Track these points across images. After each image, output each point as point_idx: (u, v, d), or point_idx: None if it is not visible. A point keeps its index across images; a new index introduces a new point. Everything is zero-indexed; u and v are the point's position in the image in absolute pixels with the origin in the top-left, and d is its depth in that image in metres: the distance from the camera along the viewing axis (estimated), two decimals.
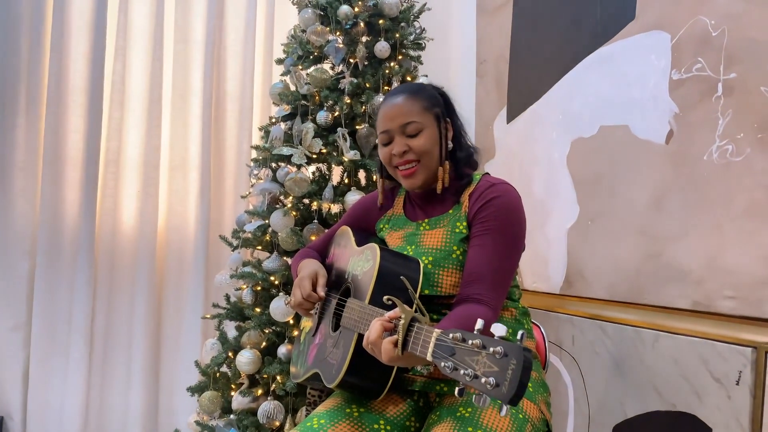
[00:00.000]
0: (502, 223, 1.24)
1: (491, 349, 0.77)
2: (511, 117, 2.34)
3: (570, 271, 1.95)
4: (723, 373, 1.39)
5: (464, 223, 1.28)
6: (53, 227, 2.61)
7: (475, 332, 0.82)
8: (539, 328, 1.52)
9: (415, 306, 1.00)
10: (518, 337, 0.76)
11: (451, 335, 0.84)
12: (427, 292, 1.26)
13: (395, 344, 0.97)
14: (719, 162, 1.45)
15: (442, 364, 0.83)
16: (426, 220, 1.35)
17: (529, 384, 1.26)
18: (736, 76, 1.41)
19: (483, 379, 0.76)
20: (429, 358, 0.88)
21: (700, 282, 1.48)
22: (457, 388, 0.82)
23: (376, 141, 2.09)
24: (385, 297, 1.04)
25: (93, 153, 2.63)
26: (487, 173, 1.37)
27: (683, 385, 1.49)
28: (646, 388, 1.60)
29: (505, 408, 0.76)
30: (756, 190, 1.36)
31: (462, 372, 0.79)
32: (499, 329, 0.79)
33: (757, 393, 1.32)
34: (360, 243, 1.37)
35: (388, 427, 1.21)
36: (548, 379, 1.49)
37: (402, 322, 0.97)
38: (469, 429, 1.10)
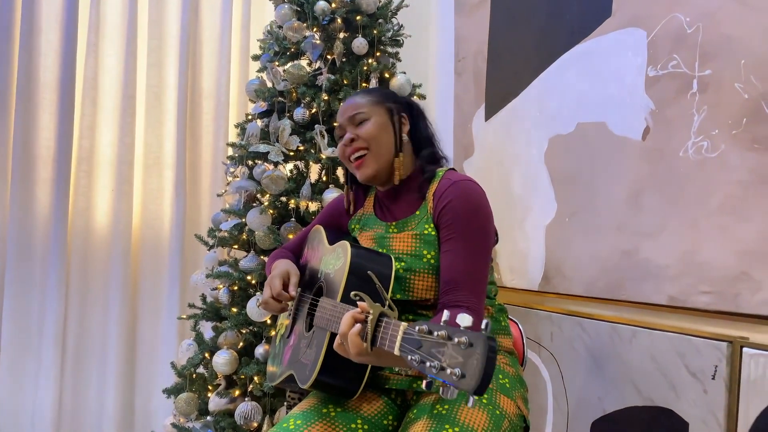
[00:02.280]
0: (467, 223, 1.23)
1: (456, 340, 0.76)
2: (489, 114, 2.34)
3: (548, 268, 1.95)
4: (699, 367, 1.40)
5: (431, 224, 1.28)
6: (23, 227, 2.55)
7: (441, 323, 0.81)
8: (517, 324, 1.52)
9: (385, 302, 0.99)
10: (482, 326, 0.76)
11: (417, 328, 0.83)
12: (399, 296, 1.25)
13: (363, 338, 0.96)
14: (695, 158, 1.46)
15: (409, 357, 0.82)
16: (394, 223, 1.35)
17: (507, 380, 1.26)
18: (711, 72, 1.42)
19: (449, 371, 0.75)
20: (396, 352, 0.87)
21: (677, 277, 1.49)
22: (424, 381, 0.81)
23: None
24: (353, 293, 1.04)
25: (65, 151, 2.58)
26: (452, 169, 1.37)
27: (660, 380, 1.50)
28: (623, 384, 1.61)
29: (471, 399, 0.75)
30: (730, 185, 1.37)
31: (428, 364, 0.78)
32: (464, 320, 0.78)
33: (733, 387, 1.33)
34: (332, 242, 1.36)
35: (366, 427, 1.20)
36: (527, 375, 1.49)
37: (370, 317, 0.96)
38: (447, 426, 1.09)
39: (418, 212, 1.32)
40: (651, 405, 1.53)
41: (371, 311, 0.96)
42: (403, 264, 1.26)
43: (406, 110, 1.40)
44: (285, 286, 1.34)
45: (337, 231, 1.48)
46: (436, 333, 0.79)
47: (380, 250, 1.32)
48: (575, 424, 1.78)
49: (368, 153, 1.33)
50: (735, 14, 1.38)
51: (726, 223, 1.38)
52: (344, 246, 1.26)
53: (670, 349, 1.48)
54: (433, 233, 1.27)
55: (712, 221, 1.41)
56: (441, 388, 0.77)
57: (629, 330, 1.60)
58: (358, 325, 0.97)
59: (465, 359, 0.74)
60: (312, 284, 1.37)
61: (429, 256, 1.26)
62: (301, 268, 1.47)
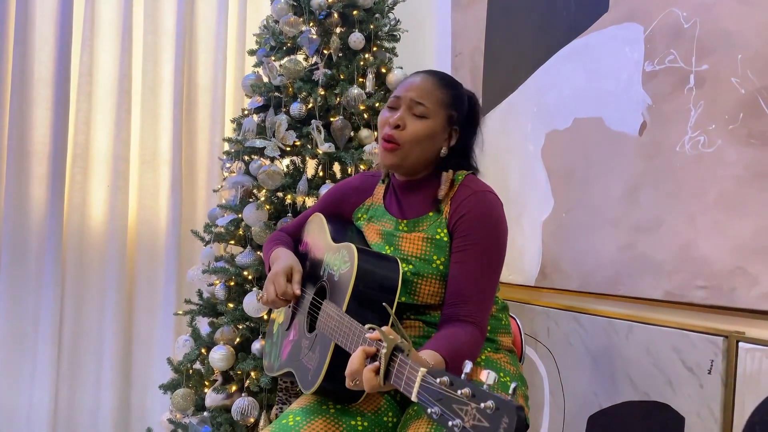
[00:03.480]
0: (483, 238, 1.21)
1: (482, 404, 0.73)
2: (486, 110, 2.34)
3: (545, 263, 1.96)
4: (695, 362, 1.41)
5: (445, 230, 1.25)
6: (19, 224, 2.53)
7: (463, 377, 0.78)
8: (515, 320, 1.52)
9: (397, 329, 0.94)
10: (510, 391, 0.73)
11: (438, 379, 0.79)
12: (404, 299, 1.23)
13: (377, 372, 0.92)
14: (691, 153, 1.46)
15: (429, 410, 0.79)
16: (404, 222, 1.30)
17: (508, 378, 1.26)
18: (708, 67, 1.43)
19: None
20: (414, 398, 0.83)
21: (673, 272, 1.49)
22: None
23: (351, 133, 2.08)
24: (368, 326, 1.00)
25: (60, 147, 2.56)
26: (471, 173, 1.32)
27: (656, 375, 1.51)
28: (620, 379, 1.62)
29: None
30: (727, 181, 1.37)
31: (450, 423, 0.75)
32: (489, 377, 0.75)
33: (729, 381, 1.34)
34: (335, 236, 1.33)
35: (365, 423, 1.20)
36: (524, 371, 1.49)
37: (384, 351, 0.92)
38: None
39: (431, 213, 1.28)
40: (647, 399, 1.53)
41: (385, 343, 0.92)
42: (411, 267, 1.23)
43: (464, 121, 1.32)
44: (288, 283, 1.29)
45: (339, 221, 1.42)
46: (459, 391, 0.76)
47: (387, 247, 1.28)
48: (572, 419, 1.78)
49: (400, 148, 1.25)
50: (732, 9, 1.38)
51: (722, 218, 1.38)
52: (350, 250, 1.21)
53: (666, 343, 1.49)
54: (446, 239, 1.24)
55: (709, 216, 1.41)
56: None
57: (625, 325, 1.61)
58: (375, 363, 0.93)
59: (491, 425, 0.71)
60: (313, 278, 1.34)
61: (438, 262, 1.23)
62: (301, 255, 1.43)
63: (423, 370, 0.84)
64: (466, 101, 1.33)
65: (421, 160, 1.28)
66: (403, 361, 0.88)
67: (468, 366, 0.79)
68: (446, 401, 0.77)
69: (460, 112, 1.30)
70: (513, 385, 0.73)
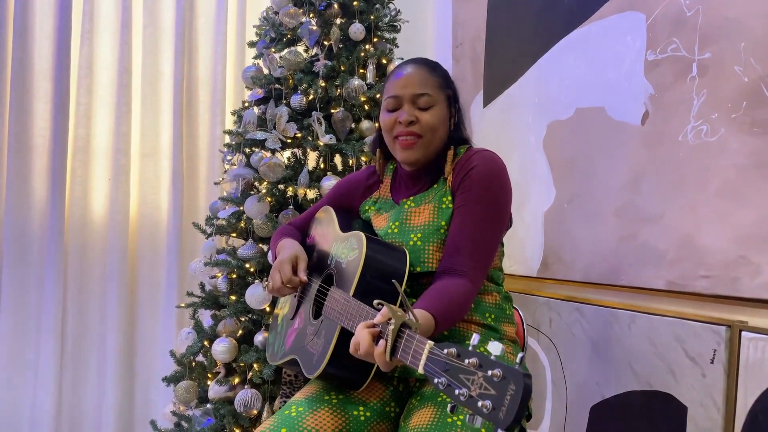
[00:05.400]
0: (481, 190, 1.21)
1: (489, 372, 0.73)
2: (487, 101, 2.33)
3: (547, 254, 1.95)
4: (698, 352, 1.41)
5: (449, 197, 1.26)
6: (20, 218, 2.53)
7: (471, 348, 0.78)
8: (518, 311, 1.52)
9: (402, 305, 0.95)
10: (517, 360, 0.74)
11: (445, 350, 0.80)
12: (419, 269, 1.22)
13: (384, 350, 0.93)
14: (694, 142, 1.45)
15: (435, 380, 0.80)
16: (411, 198, 1.32)
17: None
18: (710, 55, 1.42)
19: (479, 402, 0.73)
20: (421, 370, 0.84)
21: (675, 262, 1.49)
22: (449, 405, 0.78)
23: (352, 125, 2.07)
24: (376, 302, 1.00)
25: (60, 141, 2.56)
26: (471, 147, 1.33)
27: (659, 365, 1.51)
28: (622, 369, 1.62)
29: None
30: (729, 170, 1.37)
31: (456, 392, 0.76)
32: (496, 348, 0.76)
33: (731, 371, 1.33)
34: (344, 226, 1.34)
35: (368, 413, 1.20)
36: (527, 362, 1.49)
37: (391, 327, 0.92)
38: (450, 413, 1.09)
39: (436, 185, 1.29)
40: (650, 389, 1.53)
41: (393, 319, 0.93)
42: (420, 235, 1.24)
43: (458, 97, 1.35)
44: (294, 271, 1.31)
45: (348, 214, 1.44)
46: (466, 360, 0.77)
47: (393, 224, 1.29)
48: (574, 409, 1.79)
49: (420, 140, 1.26)
50: None
51: (725, 207, 1.37)
52: (359, 237, 1.22)
53: (668, 333, 1.48)
54: (451, 206, 1.25)
55: (711, 205, 1.41)
56: (467, 415, 0.75)
57: (628, 315, 1.61)
58: (381, 343, 0.94)
59: (498, 393, 0.72)
60: (320, 268, 1.35)
61: (446, 228, 1.23)
62: (308, 248, 1.43)
63: (431, 343, 0.84)
64: (450, 78, 1.36)
65: (438, 146, 1.30)
66: (411, 336, 0.89)
67: (475, 338, 0.80)
68: (453, 371, 0.78)
69: (453, 89, 1.33)
70: (520, 355, 0.75)
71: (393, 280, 1.05)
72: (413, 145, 1.26)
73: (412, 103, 1.26)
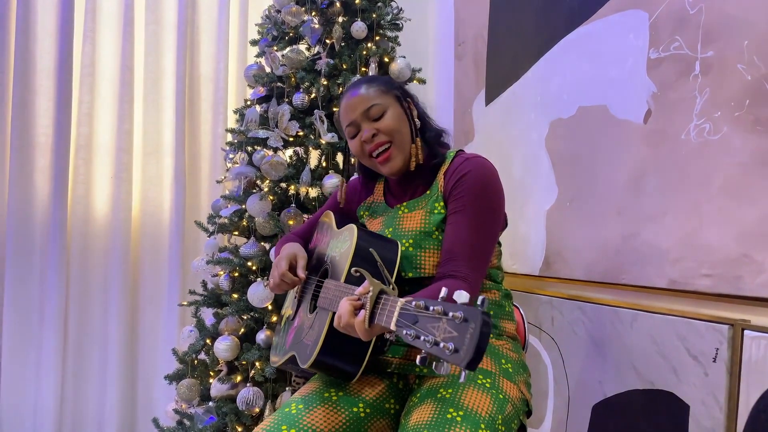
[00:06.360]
0: (475, 197, 1.23)
1: (451, 314, 0.76)
2: (489, 99, 2.32)
3: (549, 253, 1.95)
4: (700, 350, 1.40)
5: (441, 203, 1.28)
6: (23, 215, 2.54)
7: (438, 300, 0.81)
8: (519, 309, 1.52)
9: (385, 280, 0.98)
10: (479, 302, 0.76)
11: (414, 303, 0.83)
12: (411, 275, 1.25)
13: (364, 319, 0.96)
14: (697, 141, 1.45)
15: (404, 332, 0.83)
16: (405, 204, 1.34)
17: (510, 365, 1.26)
18: (713, 54, 1.41)
19: (442, 345, 0.75)
20: (393, 327, 0.87)
21: (678, 261, 1.48)
22: (418, 357, 0.81)
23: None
24: (353, 269, 1.04)
25: (63, 138, 2.56)
26: (462, 150, 1.36)
27: (661, 364, 1.50)
28: (624, 367, 1.61)
29: (463, 374, 0.75)
30: (732, 168, 1.36)
31: (423, 339, 0.79)
32: (461, 296, 0.78)
33: (734, 370, 1.33)
34: (341, 226, 1.36)
35: (368, 410, 1.20)
36: (528, 360, 1.49)
37: (370, 294, 0.96)
38: (450, 410, 1.09)
39: (428, 192, 1.31)
40: (652, 388, 1.53)
41: (371, 288, 0.96)
42: (411, 241, 1.26)
43: (406, 93, 1.38)
44: (292, 268, 1.34)
45: (346, 217, 1.47)
46: (432, 308, 0.80)
47: (387, 230, 1.32)
48: (576, 407, 1.78)
49: (392, 147, 1.29)
50: None
51: (727, 206, 1.37)
52: (351, 229, 1.26)
53: (671, 332, 1.48)
54: (443, 211, 1.27)
55: (714, 204, 1.40)
56: (434, 363, 0.78)
57: (630, 313, 1.60)
58: (362, 313, 0.97)
59: (459, 334, 0.74)
60: (319, 267, 1.38)
61: (438, 233, 1.25)
62: (310, 252, 1.46)
63: (402, 300, 0.88)
64: (393, 81, 1.40)
65: (409, 143, 1.32)
66: (386, 300, 0.93)
67: (444, 291, 0.83)
68: (421, 322, 0.81)
69: (398, 87, 1.36)
70: (482, 297, 0.76)
71: (370, 249, 1.08)
72: (390, 155, 1.29)
73: (366, 119, 1.30)
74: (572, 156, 1.86)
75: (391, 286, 0.98)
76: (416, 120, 1.34)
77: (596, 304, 1.73)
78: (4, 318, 2.51)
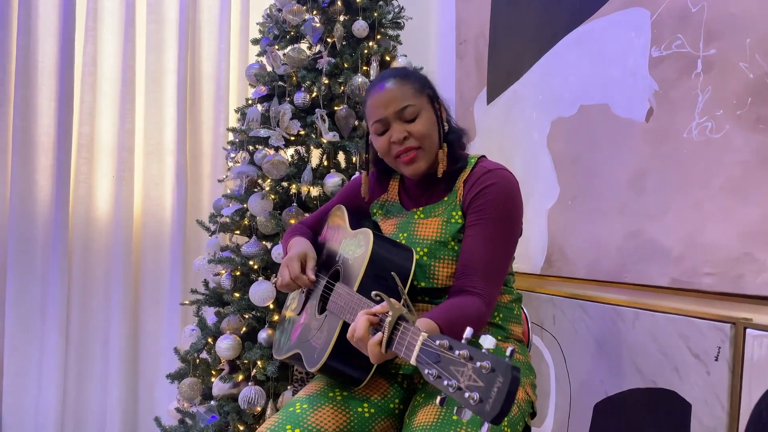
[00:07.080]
0: (497, 211, 1.21)
1: (478, 363, 0.73)
2: (491, 98, 2.32)
3: (551, 251, 1.95)
4: (702, 349, 1.40)
5: (459, 212, 1.25)
6: (25, 215, 2.54)
7: (463, 341, 0.79)
8: (523, 310, 1.51)
9: (402, 301, 0.96)
10: (507, 353, 0.73)
11: (437, 342, 0.81)
12: (423, 284, 1.23)
13: (380, 342, 0.94)
14: (699, 139, 1.45)
15: (426, 371, 0.80)
16: (420, 209, 1.32)
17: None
18: (715, 52, 1.41)
19: (467, 393, 0.73)
20: (413, 362, 0.85)
21: (680, 259, 1.48)
22: (438, 397, 0.78)
23: (355, 122, 2.07)
24: (374, 293, 1.01)
25: (65, 138, 2.56)
26: (484, 156, 1.33)
27: (663, 362, 1.50)
28: (626, 366, 1.61)
29: (485, 426, 0.72)
30: (734, 166, 1.36)
31: (446, 382, 0.76)
32: (487, 341, 0.76)
33: (736, 368, 1.33)
34: (354, 224, 1.34)
35: (372, 410, 1.20)
36: (531, 359, 1.49)
37: (389, 319, 0.93)
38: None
39: (446, 198, 1.29)
40: (654, 387, 1.53)
41: (390, 312, 0.94)
42: (426, 250, 1.24)
43: (437, 94, 1.33)
44: (302, 268, 1.31)
45: (358, 213, 1.44)
46: (457, 351, 0.77)
47: (401, 234, 1.29)
48: (578, 406, 1.78)
49: (420, 151, 1.25)
50: None
51: (730, 204, 1.37)
52: (366, 234, 1.22)
53: (672, 331, 1.48)
54: (461, 221, 1.24)
55: (716, 202, 1.40)
56: (456, 407, 0.76)
57: (632, 312, 1.60)
58: (378, 335, 0.95)
59: (485, 385, 0.72)
60: (329, 265, 1.35)
61: (453, 243, 1.23)
62: (319, 246, 1.44)
63: (424, 334, 0.85)
64: (425, 78, 1.33)
65: (437, 148, 1.28)
66: (406, 329, 0.90)
67: (469, 332, 0.80)
68: (444, 363, 0.79)
69: (431, 87, 1.31)
70: (510, 348, 0.74)
71: (392, 273, 1.05)
72: (416, 158, 1.25)
73: (399, 120, 1.25)
74: (574, 155, 1.86)
75: (410, 311, 0.95)
76: (445, 124, 1.30)
77: (598, 302, 1.73)
78: (6, 317, 2.51)
